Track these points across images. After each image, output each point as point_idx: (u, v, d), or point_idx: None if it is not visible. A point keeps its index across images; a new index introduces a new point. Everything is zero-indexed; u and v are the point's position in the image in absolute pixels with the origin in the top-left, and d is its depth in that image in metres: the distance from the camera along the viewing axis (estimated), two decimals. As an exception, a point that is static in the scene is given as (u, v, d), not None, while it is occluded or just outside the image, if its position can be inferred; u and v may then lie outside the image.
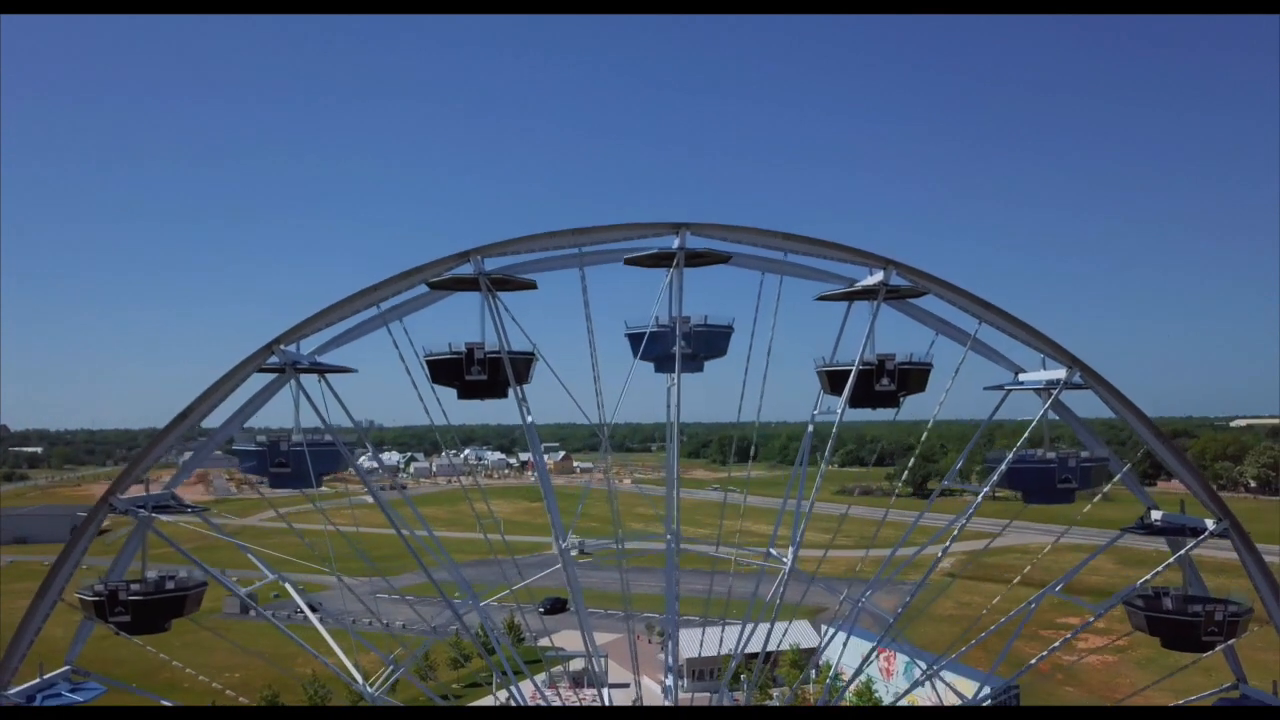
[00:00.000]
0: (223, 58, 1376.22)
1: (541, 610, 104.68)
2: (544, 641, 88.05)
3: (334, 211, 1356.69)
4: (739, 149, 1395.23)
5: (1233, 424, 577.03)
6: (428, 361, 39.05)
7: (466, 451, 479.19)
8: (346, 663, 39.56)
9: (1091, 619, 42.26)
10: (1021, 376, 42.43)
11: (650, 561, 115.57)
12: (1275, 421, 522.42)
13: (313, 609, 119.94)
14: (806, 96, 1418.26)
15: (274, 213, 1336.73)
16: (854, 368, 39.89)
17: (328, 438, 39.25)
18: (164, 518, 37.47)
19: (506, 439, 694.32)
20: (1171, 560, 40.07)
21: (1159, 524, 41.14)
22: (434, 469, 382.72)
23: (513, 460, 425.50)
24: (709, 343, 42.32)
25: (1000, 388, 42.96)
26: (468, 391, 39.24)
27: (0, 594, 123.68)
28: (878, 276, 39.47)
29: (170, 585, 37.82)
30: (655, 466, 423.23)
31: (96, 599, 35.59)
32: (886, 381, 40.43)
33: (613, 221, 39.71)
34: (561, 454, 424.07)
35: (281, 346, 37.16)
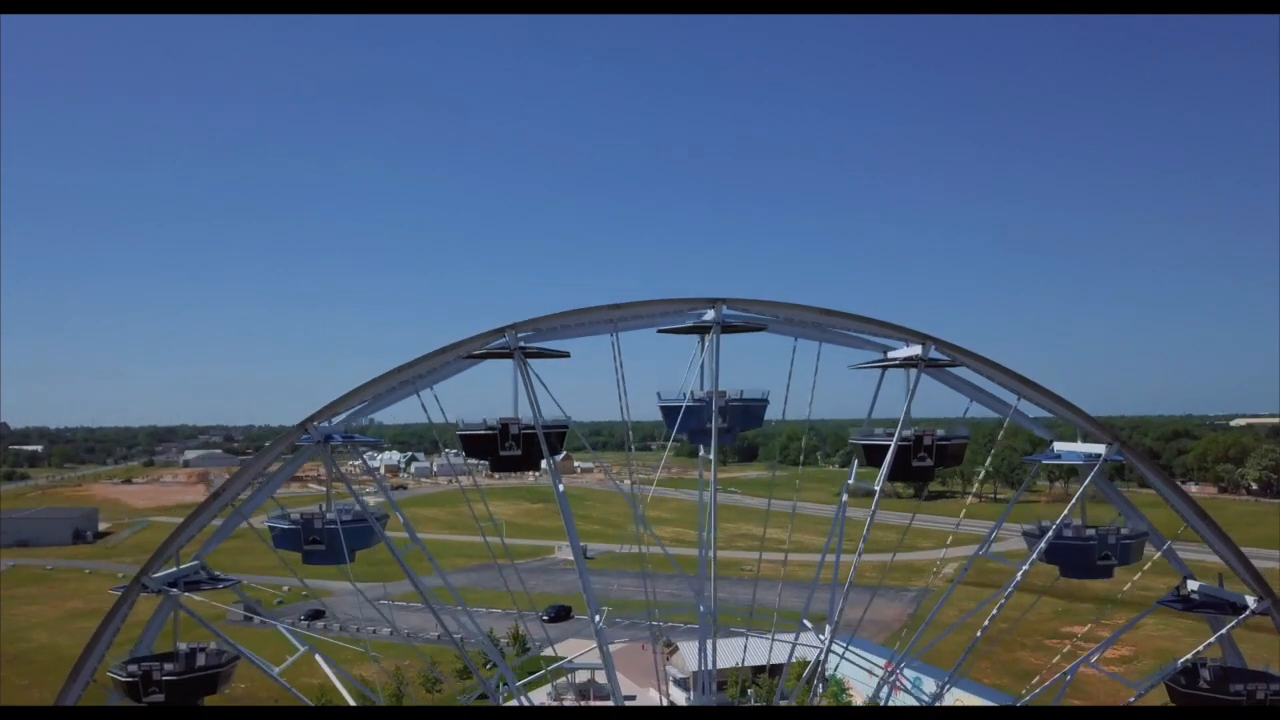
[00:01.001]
0: (221, 58, 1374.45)
1: (545, 618, 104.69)
2: (548, 651, 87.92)
3: (333, 212, 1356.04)
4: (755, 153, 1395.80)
5: (1232, 423, 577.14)
6: (462, 436, 39.25)
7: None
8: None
9: (1142, 689, 41.04)
10: (1059, 447, 41.75)
11: (656, 568, 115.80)
12: (1275, 421, 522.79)
13: (319, 615, 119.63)
14: (834, 98, 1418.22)
15: (274, 213, 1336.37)
16: (892, 443, 39.66)
17: (357, 506, 39.23)
18: (196, 596, 37.41)
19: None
20: (1212, 640, 38.99)
21: (1196, 597, 40.00)
22: (434, 469, 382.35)
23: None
24: (745, 417, 42.14)
25: (1036, 460, 42.69)
26: (501, 465, 39.75)
27: (0, 600, 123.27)
28: (915, 350, 39.41)
29: (202, 661, 37.46)
30: (655, 467, 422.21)
31: (130, 680, 35.30)
32: (924, 457, 40.18)
33: (647, 292, 40.04)
34: (563, 454, 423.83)
35: (315, 424, 37.26)
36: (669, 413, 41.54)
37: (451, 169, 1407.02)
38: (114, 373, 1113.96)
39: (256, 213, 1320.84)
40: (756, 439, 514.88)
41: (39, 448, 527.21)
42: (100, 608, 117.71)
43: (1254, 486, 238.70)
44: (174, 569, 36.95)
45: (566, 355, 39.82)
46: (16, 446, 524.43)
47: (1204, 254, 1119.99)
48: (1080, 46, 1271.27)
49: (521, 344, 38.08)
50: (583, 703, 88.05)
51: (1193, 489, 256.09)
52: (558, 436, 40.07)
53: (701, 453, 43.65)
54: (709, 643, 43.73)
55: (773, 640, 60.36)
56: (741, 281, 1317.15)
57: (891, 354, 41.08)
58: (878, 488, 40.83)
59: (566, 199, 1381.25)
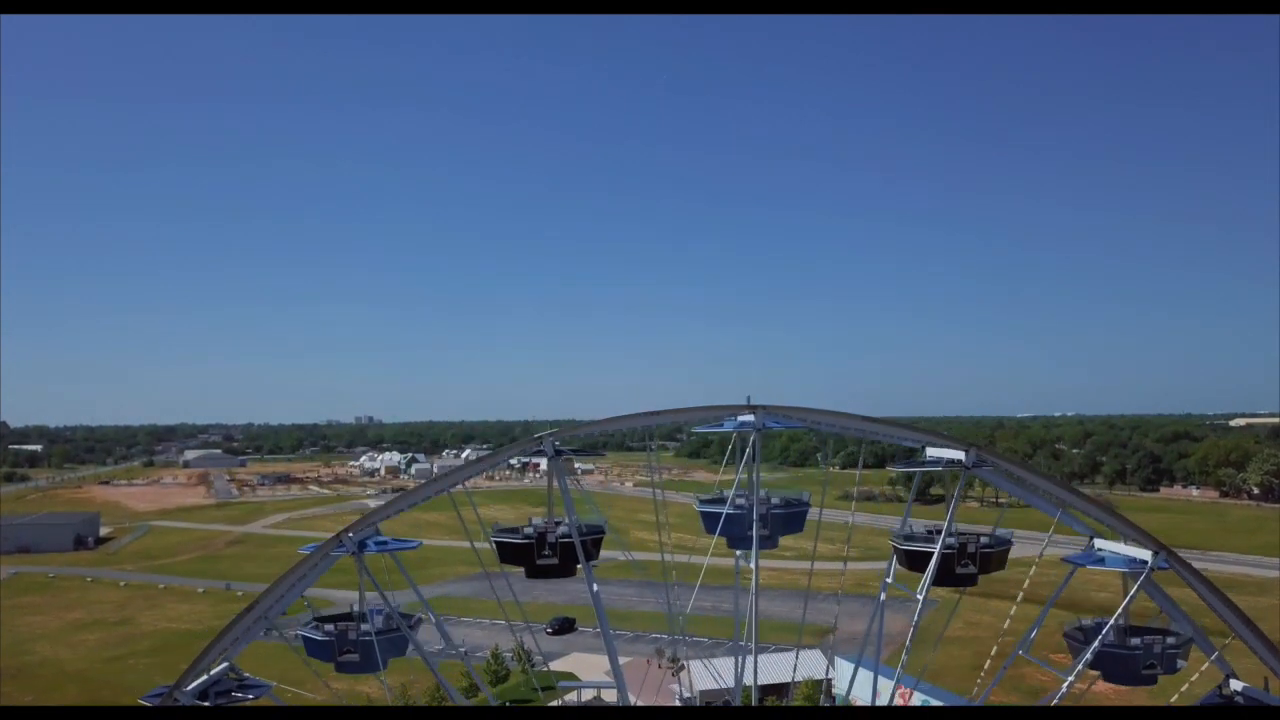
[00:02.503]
0: (220, 58, 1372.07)
1: (549, 631, 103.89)
2: (555, 665, 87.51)
3: (332, 211, 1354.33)
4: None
5: (1232, 423, 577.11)
6: (496, 543, 39.19)
7: (467, 451, 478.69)
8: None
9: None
10: (1099, 544, 40.37)
11: (658, 576, 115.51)
12: (1275, 420, 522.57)
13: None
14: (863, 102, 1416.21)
15: (273, 212, 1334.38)
16: (936, 550, 39.25)
17: (386, 608, 38.68)
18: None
19: (506, 437, 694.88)
20: None
21: (1240, 700, 37.51)
22: (435, 470, 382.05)
23: (513, 461, 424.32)
24: (786, 523, 41.85)
25: (1077, 563, 40.43)
26: (537, 574, 39.49)
27: (1, 609, 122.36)
28: (958, 454, 39.10)
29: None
30: (656, 468, 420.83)
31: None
32: (968, 564, 39.75)
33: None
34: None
35: (349, 535, 37.13)
36: (708, 516, 41.26)
37: (451, 169, 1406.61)
38: (114, 371, 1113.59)
39: (255, 212, 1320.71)
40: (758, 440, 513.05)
41: (38, 447, 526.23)
42: (103, 618, 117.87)
43: (1255, 491, 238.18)
44: (205, 678, 35.80)
45: (603, 455, 40.32)
46: (16, 446, 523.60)
47: (1204, 253, 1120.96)
48: (1080, 46, 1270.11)
49: (558, 446, 38.15)
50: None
51: (1194, 493, 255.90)
52: (594, 543, 39.82)
53: (739, 556, 43.34)
54: None
55: (797, 657, 59.86)
56: (742, 278, 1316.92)
57: (932, 452, 40.64)
58: (920, 597, 39.89)
59: (566, 198, 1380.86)
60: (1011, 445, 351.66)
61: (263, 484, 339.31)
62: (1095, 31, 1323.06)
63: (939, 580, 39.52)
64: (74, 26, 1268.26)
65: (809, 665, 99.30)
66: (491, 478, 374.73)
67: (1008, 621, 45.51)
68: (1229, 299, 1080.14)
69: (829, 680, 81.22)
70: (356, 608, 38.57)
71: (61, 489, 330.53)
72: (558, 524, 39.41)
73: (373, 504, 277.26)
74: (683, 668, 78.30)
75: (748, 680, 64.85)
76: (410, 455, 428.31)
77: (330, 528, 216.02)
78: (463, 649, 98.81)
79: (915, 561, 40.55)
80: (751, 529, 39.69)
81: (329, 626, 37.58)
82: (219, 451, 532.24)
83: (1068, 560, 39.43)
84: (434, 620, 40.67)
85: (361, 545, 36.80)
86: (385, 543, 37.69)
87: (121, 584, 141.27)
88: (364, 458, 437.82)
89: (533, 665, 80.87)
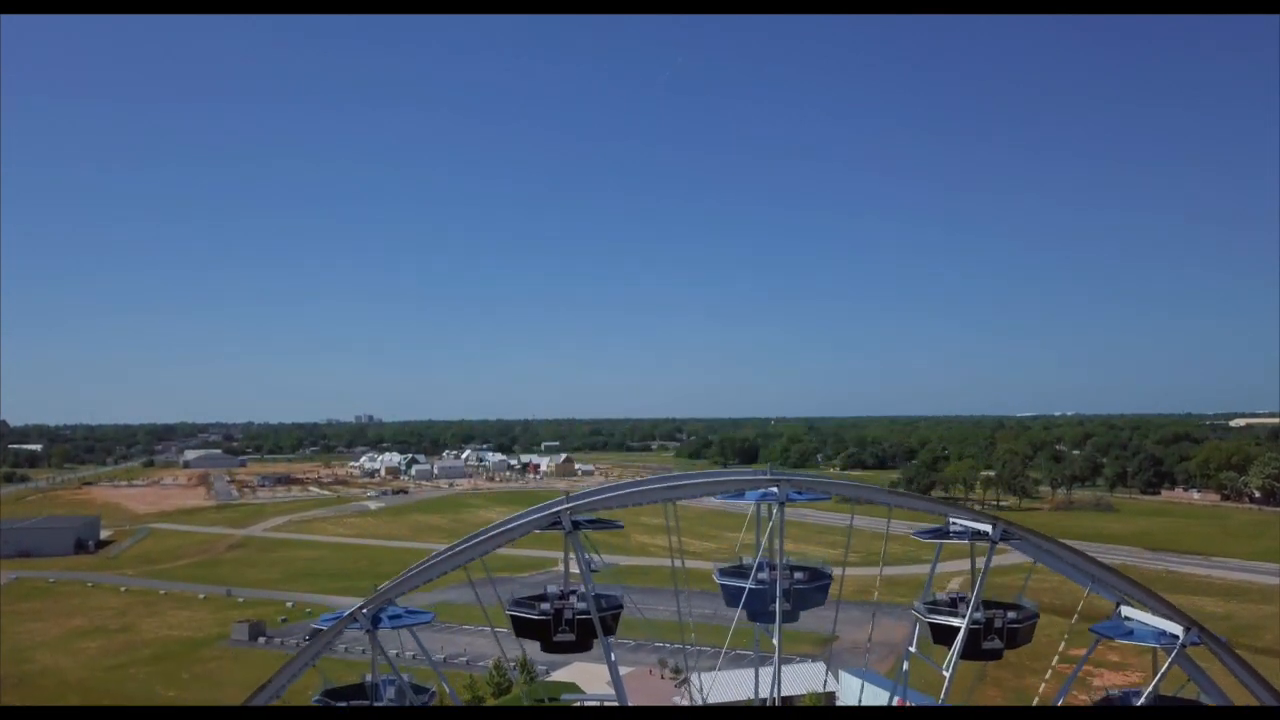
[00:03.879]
0: (220, 58, 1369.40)
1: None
2: (557, 674, 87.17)
3: (331, 210, 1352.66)
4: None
5: (1232, 423, 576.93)
6: (512, 617, 38.40)
7: (467, 452, 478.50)
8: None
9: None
10: (1126, 611, 39.51)
11: (659, 582, 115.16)
12: (1275, 421, 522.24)
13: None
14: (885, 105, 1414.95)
15: (272, 211, 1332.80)
16: (963, 625, 38.36)
17: (398, 681, 37.92)
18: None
19: (506, 436, 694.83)
20: None
21: None
22: (435, 471, 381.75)
23: (514, 461, 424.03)
24: (808, 598, 41.36)
25: (1103, 634, 39.45)
26: (553, 649, 38.86)
27: (1, 615, 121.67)
28: (985, 527, 38.57)
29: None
30: (656, 468, 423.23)
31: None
32: (995, 639, 38.80)
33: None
34: (564, 456, 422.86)
35: (364, 611, 36.42)
36: (729, 590, 40.73)
37: (451, 169, 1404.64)
38: (113, 371, 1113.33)
39: (255, 212, 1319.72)
40: (757, 439, 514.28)
41: (38, 447, 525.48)
42: (103, 625, 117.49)
43: (1257, 494, 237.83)
44: None
45: (620, 526, 39.46)
46: (16, 445, 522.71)
47: (1204, 253, 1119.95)
48: (1080, 46, 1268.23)
49: (575, 517, 37.46)
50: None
51: (1195, 496, 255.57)
52: (613, 618, 39.00)
53: (759, 627, 42.72)
54: None
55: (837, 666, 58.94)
56: (741, 277, 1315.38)
57: (955, 522, 40.07)
58: (946, 674, 38.97)
59: (566, 198, 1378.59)
60: (1012, 446, 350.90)
61: (263, 485, 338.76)
62: (1095, 31, 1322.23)
63: (965, 654, 38.59)
64: (74, 26, 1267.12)
65: (810, 677, 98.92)
66: (492, 478, 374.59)
67: (1036, 699, 44.30)
68: (1229, 299, 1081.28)
69: (832, 695, 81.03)
70: (369, 679, 37.56)
71: (61, 490, 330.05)
72: (573, 592, 38.81)
73: (372, 506, 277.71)
74: (685, 680, 77.93)
75: (747, 691, 64.51)
76: (410, 456, 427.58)
77: (331, 530, 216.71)
78: (464, 658, 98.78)
79: (940, 634, 39.46)
80: (774, 603, 39.06)
81: (343, 705, 36.82)
82: (219, 451, 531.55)
83: (1095, 631, 38.55)
84: (449, 691, 39.71)
85: (375, 621, 36.06)
86: (399, 616, 36.97)
87: (122, 589, 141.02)
88: (364, 458, 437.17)
89: (534, 676, 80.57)
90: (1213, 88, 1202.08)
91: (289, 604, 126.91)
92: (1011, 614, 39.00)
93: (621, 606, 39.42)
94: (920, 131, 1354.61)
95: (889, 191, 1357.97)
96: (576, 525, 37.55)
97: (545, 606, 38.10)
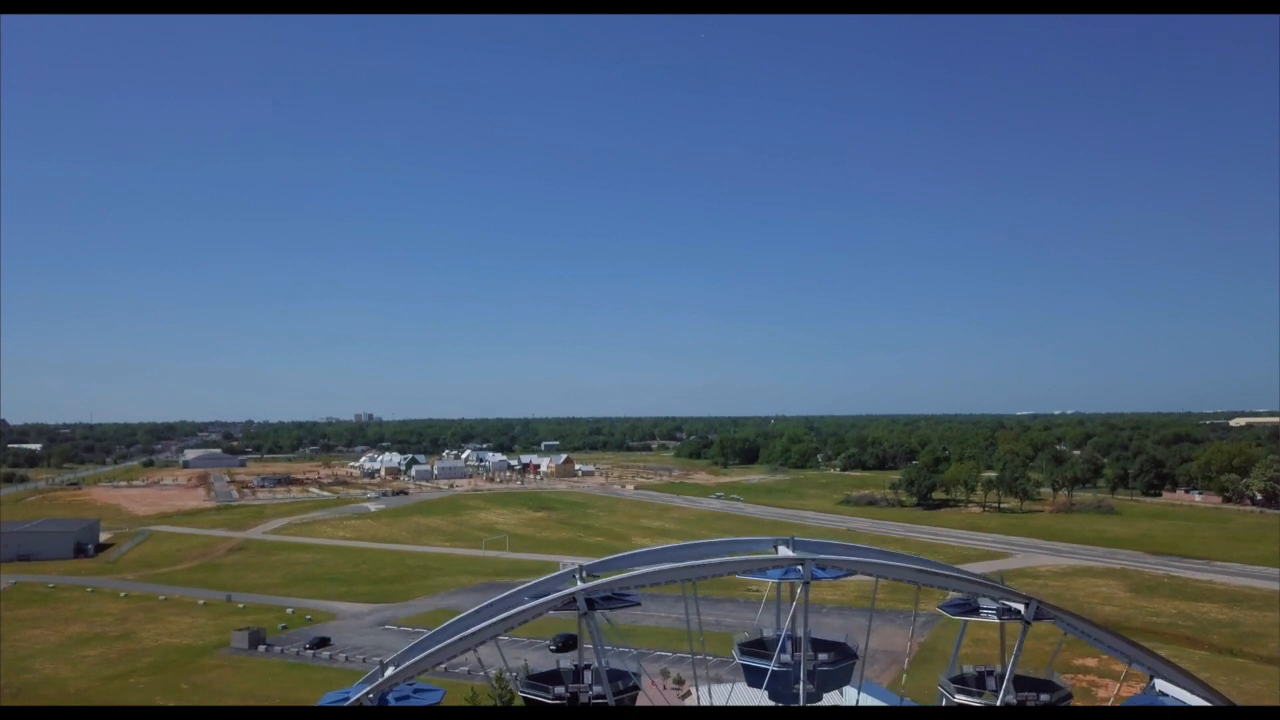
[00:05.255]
0: (220, 58, 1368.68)
1: (553, 648, 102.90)
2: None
3: (331, 210, 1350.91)
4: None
5: (1232, 422, 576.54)
6: (526, 699, 38.11)
7: (467, 452, 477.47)
8: None
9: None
10: (1159, 684, 39.55)
11: (661, 589, 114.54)
12: (1275, 420, 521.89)
13: (324, 643, 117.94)
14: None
15: (272, 211, 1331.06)
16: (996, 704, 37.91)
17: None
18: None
19: (505, 435, 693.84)
20: None
21: None
22: (435, 471, 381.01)
23: (513, 462, 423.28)
24: (833, 680, 40.45)
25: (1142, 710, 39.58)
26: None
27: (1, 620, 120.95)
28: (1018, 605, 38.19)
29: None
30: (657, 468, 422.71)
31: None
32: None
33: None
34: (564, 457, 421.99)
35: (370, 697, 36.27)
36: (751, 671, 39.81)
37: (451, 168, 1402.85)
38: (113, 369, 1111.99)
39: (255, 210, 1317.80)
40: (757, 439, 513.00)
41: (38, 446, 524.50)
42: (103, 632, 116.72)
43: (1258, 497, 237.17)
44: None
45: (638, 603, 38.69)
46: (15, 445, 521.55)
47: (1204, 253, 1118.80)
48: (1082, 46, 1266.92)
49: (589, 597, 36.94)
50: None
51: (1196, 498, 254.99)
52: (630, 699, 38.63)
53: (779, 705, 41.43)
54: None
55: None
56: (741, 276, 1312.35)
57: (985, 602, 39.64)
58: None
59: (566, 196, 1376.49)
60: (1013, 447, 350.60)
61: (263, 485, 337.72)
62: (1096, 31, 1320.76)
63: None
64: (74, 26, 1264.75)
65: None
66: (492, 479, 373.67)
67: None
68: (1229, 299, 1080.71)
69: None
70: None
71: (60, 491, 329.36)
72: (586, 667, 38.17)
73: (372, 507, 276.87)
74: (688, 694, 77.61)
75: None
76: (410, 456, 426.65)
77: (331, 533, 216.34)
78: (465, 668, 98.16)
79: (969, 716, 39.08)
80: (797, 685, 38.30)
81: None
82: (219, 451, 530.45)
83: (1129, 705, 38.72)
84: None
85: (383, 700, 35.94)
86: (407, 698, 36.69)
87: (122, 594, 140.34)
88: (364, 458, 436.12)
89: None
90: (1213, 88, 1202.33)
91: (289, 610, 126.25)
92: (1045, 695, 37.93)
93: (638, 688, 38.79)
94: (920, 131, 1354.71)
95: (889, 191, 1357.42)
96: (592, 605, 36.76)
97: (560, 690, 37.41)
